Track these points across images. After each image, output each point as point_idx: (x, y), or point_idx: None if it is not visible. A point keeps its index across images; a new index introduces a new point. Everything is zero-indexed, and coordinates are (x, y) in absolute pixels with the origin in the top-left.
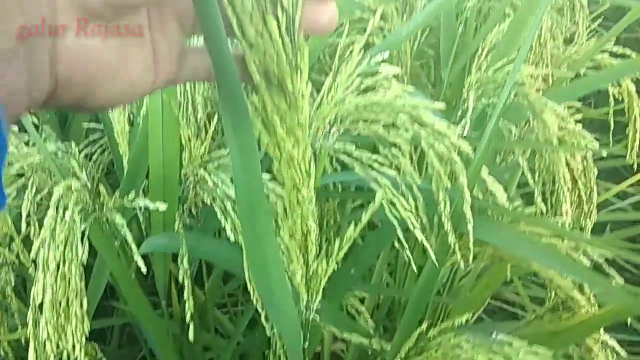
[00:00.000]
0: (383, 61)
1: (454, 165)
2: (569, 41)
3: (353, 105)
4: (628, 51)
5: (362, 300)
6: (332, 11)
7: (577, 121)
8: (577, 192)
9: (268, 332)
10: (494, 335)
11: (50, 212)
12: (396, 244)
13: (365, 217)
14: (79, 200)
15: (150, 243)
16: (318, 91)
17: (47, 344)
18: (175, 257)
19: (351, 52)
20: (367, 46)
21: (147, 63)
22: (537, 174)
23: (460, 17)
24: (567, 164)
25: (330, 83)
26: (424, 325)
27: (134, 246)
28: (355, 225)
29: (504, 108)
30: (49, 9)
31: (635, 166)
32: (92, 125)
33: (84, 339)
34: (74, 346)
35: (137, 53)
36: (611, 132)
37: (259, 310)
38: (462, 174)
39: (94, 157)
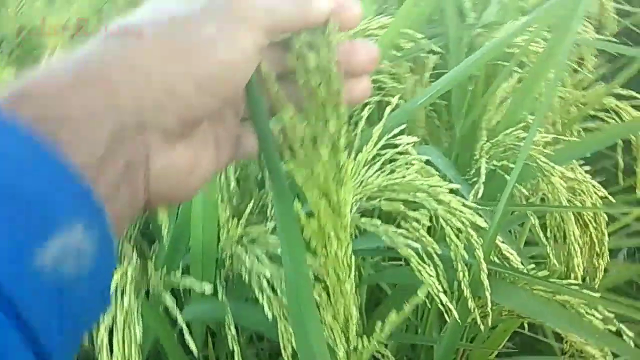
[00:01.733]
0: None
1: (471, 239)
2: (576, 85)
3: (376, 186)
4: (633, 93)
5: (386, 345)
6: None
7: (586, 171)
8: (589, 235)
9: None
10: None
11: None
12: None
13: (408, 308)
14: (132, 281)
15: (193, 310)
16: None
17: None
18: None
19: (370, 110)
20: (383, 105)
21: (212, 156)
22: (548, 230)
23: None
24: (578, 214)
25: (353, 164)
26: None
27: (181, 321)
28: (397, 312)
29: (508, 173)
30: (143, 142)
31: None
32: None
33: None
34: None
35: (205, 152)
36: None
37: None
38: (479, 248)
39: None
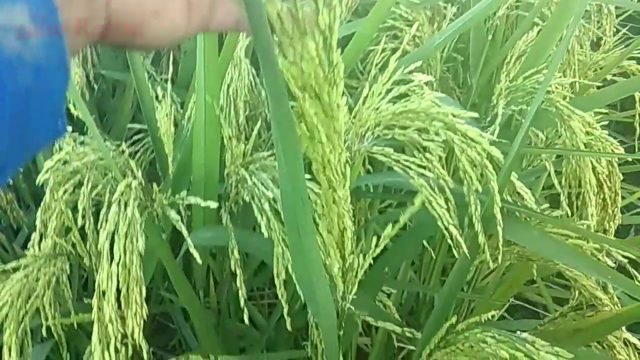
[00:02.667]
0: (415, 69)
1: (485, 170)
2: (596, 46)
3: (390, 113)
4: None
5: (388, 296)
6: None
7: (603, 126)
8: (602, 196)
9: (310, 321)
10: (518, 333)
11: (114, 208)
12: (424, 243)
13: (404, 218)
14: (136, 197)
15: (196, 236)
16: (351, 95)
17: (110, 326)
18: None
19: (384, 58)
20: (398, 52)
21: (182, 9)
22: (563, 178)
23: (488, 24)
24: (593, 168)
25: (368, 91)
26: (453, 320)
27: (187, 238)
28: (393, 225)
29: (532, 118)
30: None
31: None
32: (136, 125)
33: (142, 323)
34: (133, 329)
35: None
36: (637, 135)
37: (283, 304)
38: (493, 179)
39: (138, 155)
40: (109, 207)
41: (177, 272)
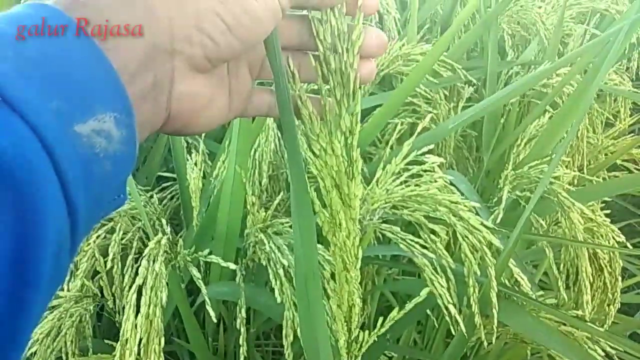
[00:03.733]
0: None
1: (485, 256)
2: (610, 125)
3: (399, 195)
4: None
5: (390, 358)
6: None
7: (607, 214)
8: (602, 279)
9: None
10: None
11: (144, 262)
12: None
13: (410, 305)
14: (163, 252)
15: (212, 289)
16: (371, 159)
17: None
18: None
19: (401, 131)
20: (417, 130)
21: (225, 100)
22: (562, 265)
23: (503, 108)
24: (594, 253)
25: (381, 172)
26: None
27: (205, 296)
28: (399, 309)
29: (535, 206)
30: (170, 66)
31: None
32: (166, 174)
33: None
34: None
35: (220, 94)
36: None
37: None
38: (491, 266)
39: (164, 201)
40: (136, 253)
41: (191, 321)
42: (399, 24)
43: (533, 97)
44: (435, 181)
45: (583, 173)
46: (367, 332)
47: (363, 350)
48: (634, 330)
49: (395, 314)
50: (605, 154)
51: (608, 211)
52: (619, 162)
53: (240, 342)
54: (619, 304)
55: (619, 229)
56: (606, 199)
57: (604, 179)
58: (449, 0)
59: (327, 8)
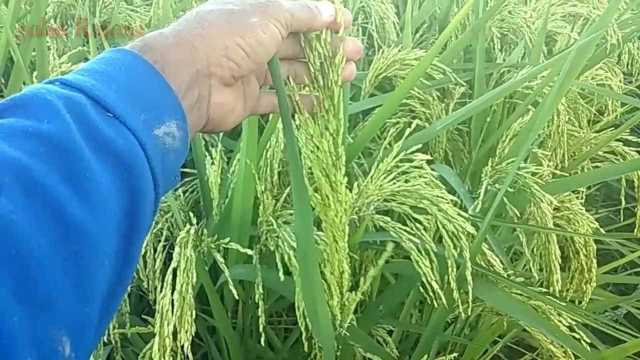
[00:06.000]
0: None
1: (461, 241)
2: (594, 122)
3: (389, 190)
4: None
5: (390, 332)
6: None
7: (583, 202)
8: (579, 261)
9: (307, 348)
10: None
11: (177, 249)
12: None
13: (381, 261)
14: (192, 240)
15: (232, 272)
16: (370, 154)
17: (167, 340)
18: (241, 282)
19: (398, 129)
20: (408, 125)
21: (242, 103)
22: (534, 249)
23: (489, 108)
24: (571, 238)
25: (374, 169)
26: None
27: (228, 277)
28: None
29: (506, 196)
30: (208, 84)
31: None
32: (185, 169)
33: (191, 338)
34: (183, 343)
35: (239, 99)
36: (622, 207)
37: (302, 330)
38: (466, 249)
39: (186, 194)
40: (166, 241)
41: (215, 299)
42: (397, 28)
43: (518, 97)
44: (423, 177)
45: (565, 165)
46: (354, 292)
47: (352, 308)
48: (628, 309)
49: (373, 272)
50: (588, 147)
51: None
52: (601, 153)
53: (259, 314)
54: (612, 284)
55: (613, 212)
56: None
57: (589, 169)
58: (446, 0)
59: (315, 32)
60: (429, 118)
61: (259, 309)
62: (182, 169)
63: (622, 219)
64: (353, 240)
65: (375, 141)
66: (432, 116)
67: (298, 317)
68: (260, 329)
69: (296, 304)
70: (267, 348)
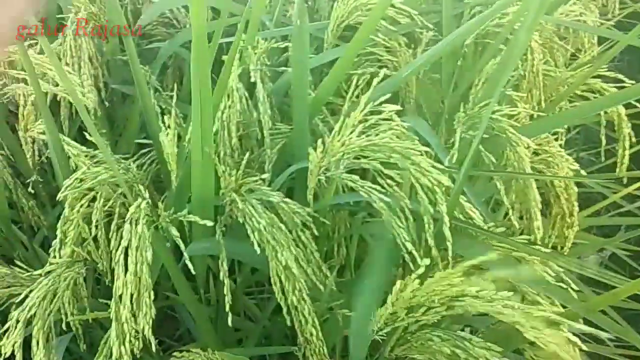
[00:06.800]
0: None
1: (436, 195)
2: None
3: (356, 146)
4: (620, 76)
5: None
6: None
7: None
8: (560, 206)
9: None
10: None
11: (126, 226)
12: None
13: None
14: (144, 215)
15: (195, 247)
16: (334, 113)
17: (125, 325)
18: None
19: (364, 80)
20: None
21: None
22: (513, 196)
23: (459, 51)
24: (551, 182)
25: (340, 125)
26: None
27: (184, 251)
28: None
29: (481, 142)
30: None
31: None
32: (143, 141)
33: (151, 321)
34: (143, 327)
35: None
36: (602, 149)
37: (282, 305)
38: (442, 203)
39: (145, 167)
40: (119, 219)
41: (178, 276)
42: None
43: (489, 38)
44: (393, 129)
45: (542, 107)
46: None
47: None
48: (613, 251)
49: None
50: (565, 86)
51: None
52: (579, 93)
53: (225, 292)
54: (596, 227)
55: (594, 155)
56: None
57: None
58: None
59: None
60: (397, 67)
61: (225, 287)
62: (138, 140)
63: (603, 160)
64: (322, 203)
65: (340, 95)
66: (400, 64)
67: (276, 293)
68: (227, 308)
69: (272, 279)
70: (245, 320)
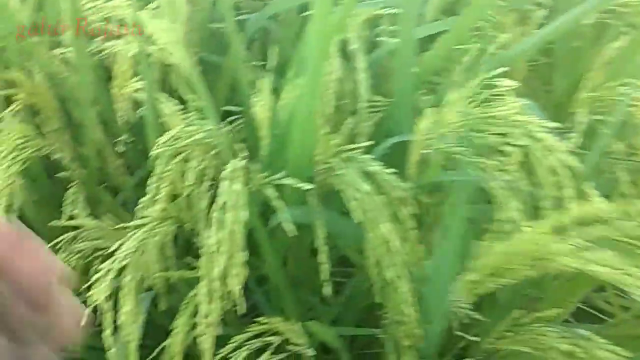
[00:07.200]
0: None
1: (563, 178)
2: None
3: (473, 117)
4: None
5: None
6: None
7: None
8: None
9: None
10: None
11: (225, 183)
12: None
13: None
14: (241, 175)
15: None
16: (435, 91)
17: (214, 283)
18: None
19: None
20: (482, 52)
21: None
22: None
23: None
24: None
25: (453, 95)
26: (517, 314)
27: (283, 213)
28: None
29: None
30: None
31: None
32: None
33: (242, 282)
34: (233, 288)
35: None
36: None
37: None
38: (570, 187)
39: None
40: (212, 180)
41: (266, 242)
42: None
43: (610, 18)
44: (505, 105)
45: None
46: None
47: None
48: None
49: None
50: None
51: None
52: None
53: (321, 260)
54: None
55: None
56: None
57: None
58: None
59: None
60: (504, 45)
61: (321, 254)
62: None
63: None
64: (424, 179)
65: (439, 75)
66: (509, 43)
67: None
68: (322, 277)
69: (367, 253)
70: (320, 300)
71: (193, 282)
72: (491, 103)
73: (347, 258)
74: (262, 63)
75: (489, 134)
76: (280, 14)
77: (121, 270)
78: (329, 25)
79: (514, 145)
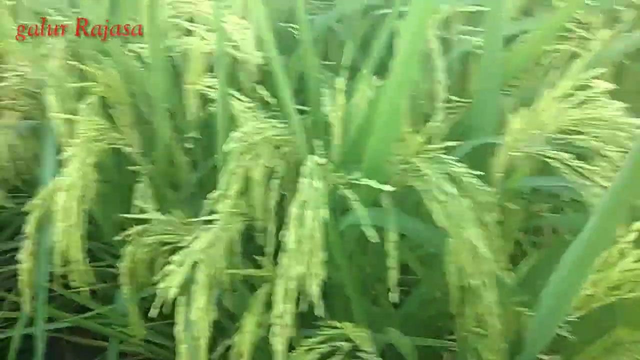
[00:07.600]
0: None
1: None
2: None
3: (571, 118)
4: None
5: None
6: None
7: None
8: None
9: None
10: None
11: (304, 180)
12: None
13: None
14: (320, 173)
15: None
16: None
17: (290, 283)
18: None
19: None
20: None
21: None
22: None
23: None
24: None
25: (546, 95)
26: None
27: (360, 214)
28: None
29: None
30: None
31: None
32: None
33: (321, 281)
34: (312, 288)
35: None
36: None
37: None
38: None
39: None
40: (281, 178)
41: (338, 243)
42: None
43: None
44: (606, 107)
45: None
46: None
47: None
48: None
49: None
50: None
51: None
52: None
53: (391, 265)
54: None
55: None
56: None
57: None
58: None
59: None
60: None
61: (391, 259)
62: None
63: None
64: (511, 184)
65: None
66: (596, 44)
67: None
68: (392, 282)
69: (449, 259)
70: (387, 308)
71: (254, 281)
72: (585, 105)
73: (406, 266)
74: (326, 63)
75: (590, 136)
76: (344, 15)
77: (193, 265)
78: (423, 25)
79: (616, 151)
